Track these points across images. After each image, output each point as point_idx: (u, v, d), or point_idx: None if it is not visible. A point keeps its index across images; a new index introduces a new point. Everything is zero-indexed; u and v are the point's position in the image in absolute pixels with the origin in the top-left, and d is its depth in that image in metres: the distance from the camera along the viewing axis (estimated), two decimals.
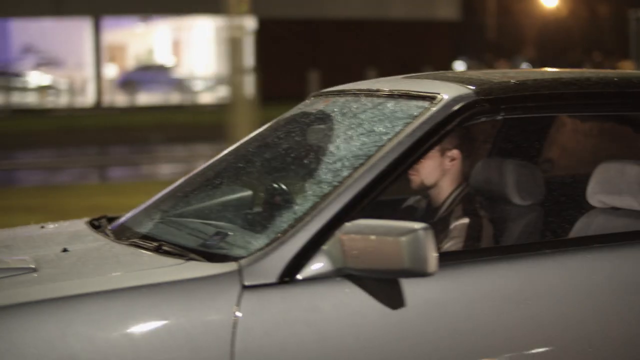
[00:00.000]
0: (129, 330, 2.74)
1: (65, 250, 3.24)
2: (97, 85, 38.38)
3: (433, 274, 2.80)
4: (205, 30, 42.54)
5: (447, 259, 3.04)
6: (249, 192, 3.41)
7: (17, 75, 37.04)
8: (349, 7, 38.40)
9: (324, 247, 2.90)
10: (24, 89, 36.70)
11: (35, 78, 37.24)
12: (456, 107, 3.16)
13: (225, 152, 3.83)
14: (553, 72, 3.57)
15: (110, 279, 2.93)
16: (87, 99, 38.02)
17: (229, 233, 3.17)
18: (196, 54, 43.41)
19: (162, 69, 41.48)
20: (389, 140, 3.10)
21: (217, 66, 39.69)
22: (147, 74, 40.31)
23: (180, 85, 39.89)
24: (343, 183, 3.01)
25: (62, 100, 36.79)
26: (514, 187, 3.96)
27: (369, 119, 3.33)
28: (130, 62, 44.08)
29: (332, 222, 2.93)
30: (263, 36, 36.06)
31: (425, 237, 2.78)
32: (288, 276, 2.88)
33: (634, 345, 3.13)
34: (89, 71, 39.04)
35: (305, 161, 3.35)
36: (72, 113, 33.37)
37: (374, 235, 2.82)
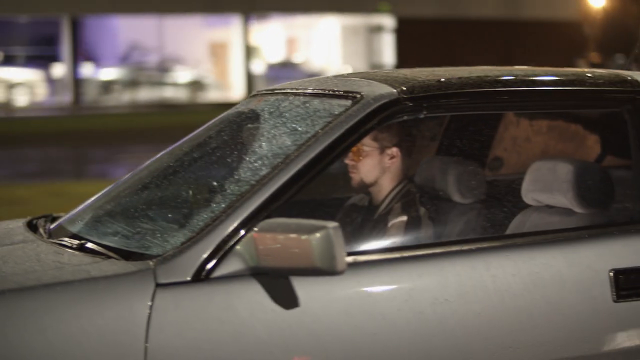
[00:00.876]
0: (42, 328, 2.76)
1: None
2: (247, 81, 38.31)
3: (342, 273, 2.81)
4: (329, 28, 42.44)
5: (361, 257, 3.05)
6: (173, 192, 3.43)
7: (166, 70, 36.99)
8: (484, 7, 38.41)
9: (239, 246, 2.92)
10: (174, 84, 36.69)
11: (185, 73, 37.20)
12: (376, 106, 3.17)
13: (163, 152, 3.85)
14: (482, 70, 3.56)
15: (26, 277, 2.95)
16: (235, 93, 37.92)
17: (149, 232, 3.18)
18: (320, 52, 43.16)
19: (294, 65, 41.28)
20: (309, 139, 3.11)
21: (344, 63, 39.86)
22: (284, 70, 40.08)
23: None
24: (259, 182, 3.02)
25: (211, 95, 36.76)
26: (455, 185, 3.97)
27: (292, 117, 3.34)
28: (270, 59, 43.67)
29: (247, 220, 2.94)
30: (400, 35, 36.48)
31: (335, 235, 2.79)
32: (202, 274, 2.90)
33: (555, 344, 3.13)
34: (236, 67, 38.96)
35: (229, 160, 3.37)
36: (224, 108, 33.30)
37: (285, 234, 2.83)
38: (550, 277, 3.14)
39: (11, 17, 34.93)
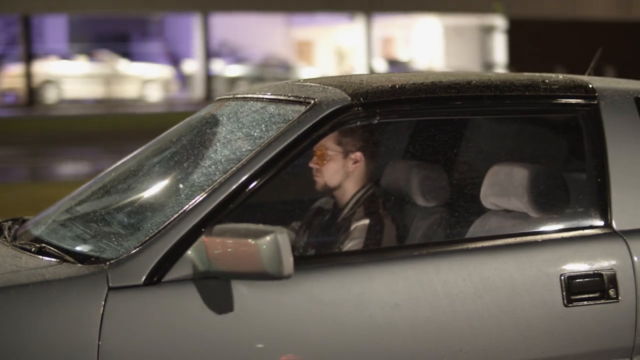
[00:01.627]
0: None
1: None
2: None
3: (289, 277, 2.86)
4: (430, 28, 42.27)
5: (311, 262, 3.09)
6: (131, 196, 3.48)
7: (290, 68, 36.85)
8: (596, 7, 38.26)
9: (190, 250, 2.96)
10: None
11: (308, 71, 36.95)
12: (328, 111, 3.21)
13: (128, 156, 3.89)
14: (438, 75, 3.60)
15: None
16: None
17: (105, 235, 3.23)
18: (422, 51, 42.89)
19: (401, 64, 41.07)
20: (261, 144, 3.16)
21: (447, 62, 39.84)
22: (394, 68, 39.81)
23: None
24: (211, 187, 3.06)
25: None
26: (418, 189, 4.01)
27: (248, 123, 3.38)
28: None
29: (198, 225, 2.98)
30: (512, 35, 36.63)
31: (282, 240, 2.83)
32: (154, 278, 2.94)
33: (506, 348, 3.17)
34: (359, 65, 38.65)
35: (185, 165, 3.41)
36: None
37: (234, 239, 2.87)
38: (502, 282, 3.18)
39: (145, 14, 34.98)
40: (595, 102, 3.51)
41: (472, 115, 3.75)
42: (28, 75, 30.85)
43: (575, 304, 3.23)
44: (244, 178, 3.06)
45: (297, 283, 2.99)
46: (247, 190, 3.05)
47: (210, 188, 3.06)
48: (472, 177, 4.23)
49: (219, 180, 3.07)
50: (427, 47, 42.68)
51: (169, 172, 3.50)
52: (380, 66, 39.00)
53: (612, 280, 3.27)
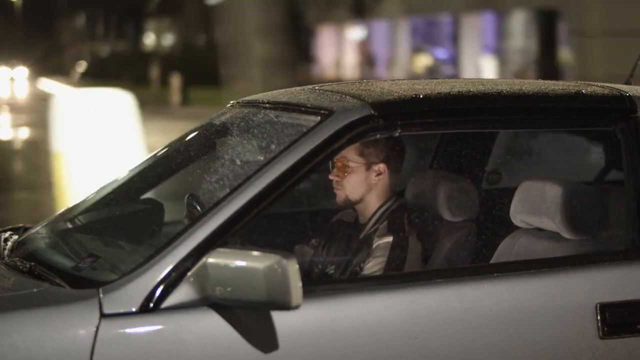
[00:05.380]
0: None
1: None
2: None
3: (297, 308, 2.61)
4: None
5: (323, 288, 2.85)
6: (130, 212, 3.22)
7: None
8: None
9: (190, 274, 2.72)
10: None
11: None
12: (345, 123, 2.96)
13: (133, 166, 3.66)
14: (466, 84, 3.33)
15: None
16: None
17: (100, 256, 2.99)
18: None
19: None
20: (271, 159, 2.90)
21: None
22: None
23: None
24: (215, 205, 2.82)
25: None
26: (445, 202, 3.75)
27: (259, 134, 3.14)
28: None
29: (200, 247, 2.74)
30: None
31: (290, 267, 2.59)
32: (151, 305, 2.71)
33: None
34: None
35: (190, 179, 3.16)
36: None
37: (238, 263, 2.63)
38: (530, 312, 2.93)
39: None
40: (636, 115, 3.23)
41: (503, 129, 3.48)
42: None
43: (612, 336, 2.97)
44: (251, 196, 2.81)
45: (307, 311, 2.74)
46: (254, 209, 2.81)
47: (214, 206, 2.81)
48: (501, 192, 3.96)
49: (225, 198, 2.83)
50: None
51: (172, 187, 3.25)
52: None
53: None
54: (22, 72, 55.98)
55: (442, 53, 34.62)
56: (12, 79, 50.21)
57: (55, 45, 68.21)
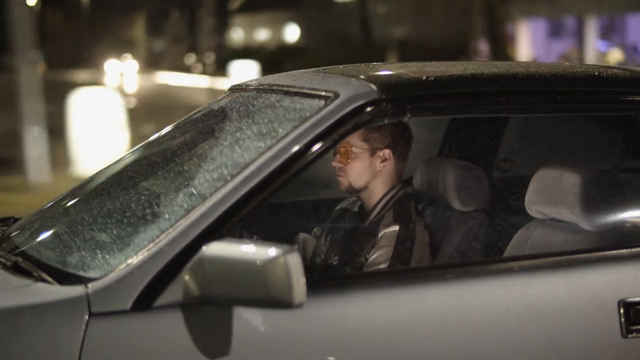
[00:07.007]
0: None
1: None
2: None
3: (300, 306, 2.42)
4: None
5: (328, 283, 2.66)
6: (122, 204, 3.01)
7: None
8: None
9: (185, 270, 2.53)
10: None
11: None
12: (351, 108, 2.76)
13: (127, 153, 3.46)
14: (479, 66, 3.13)
15: None
16: None
17: (91, 250, 2.79)
18: None
19: None
20: (272, 146, 2.71)
21: None
22: None
23: None
24: (212, 196, 2.62)
25: None
26: (455, 191, 3.57)
27: (260, 119, 2.93)
28: None
29: (196, 241, 2.55)
30: None
31: (292, 262, 2.40)
32: (143, 303, 2.52)
33: None
34: None
35: (186, 168, 2.95)
36: None
37: (237, 259, 2.45)
38: (550, 309, 2.75)
39: None
40: None
41: (519, 113, 3.29)
42: None
43: (635, 334, 2.78)
44: (250, 187, 2.62)
45: (310, 308, 2.56)
46: (254, 200, 2.61)
47: (211, 196, 2.62)
48: (514, 180, 3.77)
49: (222, 189, 2.63)
50: None
51: (167, 176, 3.04)
52: None
53: None
54: (132, 65, 56.49)
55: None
56: (121, 74, 50.22)
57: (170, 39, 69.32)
